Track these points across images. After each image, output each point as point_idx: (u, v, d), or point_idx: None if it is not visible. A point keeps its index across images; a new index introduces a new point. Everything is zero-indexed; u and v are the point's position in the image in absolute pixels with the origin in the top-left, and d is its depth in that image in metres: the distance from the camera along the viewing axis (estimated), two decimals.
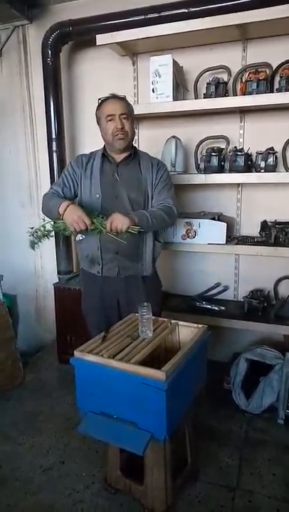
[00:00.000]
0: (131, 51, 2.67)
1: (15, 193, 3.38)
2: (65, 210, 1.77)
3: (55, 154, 2.86)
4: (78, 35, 2.70)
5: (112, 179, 1.96)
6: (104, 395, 1.55)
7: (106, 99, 1.94)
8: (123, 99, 1.95)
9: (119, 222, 1.73)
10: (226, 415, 2.33)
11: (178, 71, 2.47)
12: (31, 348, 3.45)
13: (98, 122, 1.97)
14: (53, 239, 3.03)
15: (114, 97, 1.94)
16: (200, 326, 1.80)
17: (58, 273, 3.06)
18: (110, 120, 1.89)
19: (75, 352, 1.61)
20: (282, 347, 2.42)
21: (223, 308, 2.60)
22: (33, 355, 3.24)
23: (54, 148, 2.85)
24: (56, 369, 2.97)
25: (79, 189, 2.00)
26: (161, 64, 2.35)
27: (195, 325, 1.82)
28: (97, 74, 2.89)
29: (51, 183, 2.91)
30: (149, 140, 2.80)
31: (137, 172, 1.99)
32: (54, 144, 2.84)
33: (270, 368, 2.30)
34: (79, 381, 1.62)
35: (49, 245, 3.16)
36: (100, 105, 1.95)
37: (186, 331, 1.83)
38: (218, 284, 2.85)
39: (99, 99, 1.99)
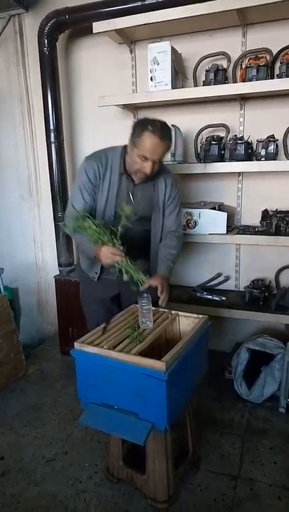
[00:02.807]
0: (129, 39, 2.63)
1: (15, 185, 3.36)
2: (100, 254, 1.71)
3: (53, 145, 2.83)
4: (75, 23, 2.66)
5: (127, 199, 1.87)
6: (104, 386, 1.55)
7: (152, 130, 1.67)
8: (168, 138, 1.75)
9: (166, 295, 1.80)
10: (228, 405, 2.34)
11: (176, 58, 2.42)
12: (34, 341, 3.47)
13: (131, 142, 1.77)
14: (53, 230, 3.03)
15: (162, 135, 1.68)
16: (200, 316, 1.79)
17: (58, 265, 3.05)
18: (141, 160, 1.74)
19: (75, 343, 1.61)
20: (284, 336, 2.42)
21: (224, 298, 2.59)
22: (35, 348, 3.26)
23: (52, 139, 2.82)
24: (59, 361, 2.98)
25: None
26: (160, 51, 2.31)
27: (195, 315, 1.81)
28: (95, 63, 2.85)
29: (50, 175, 2.90)
30: None
31: (151, 192, 1.92)
32: (52, 134, 2.81)
33: (271, 358, 2.30)
34: (79, 372, 1.62)
35: (49, 238, 3.17)
36: (142, 132, 1.69)
37: (187, 322, 1.82)
38: (219, 275, 2.84)
39: (145, 124, 1.69)
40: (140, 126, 1.72)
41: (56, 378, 2.74)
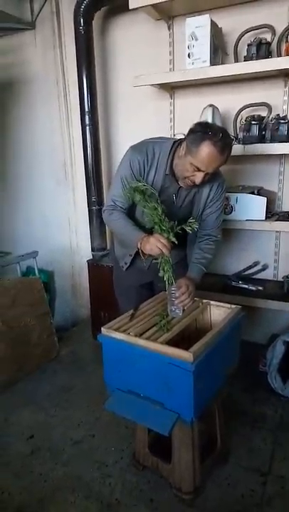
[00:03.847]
0: (166, 14, 2.51)
1: (50, 170, 3.38)
2: (144, 243, 1.60)
3: (88, 128, 2.79)
4: (111, 0, 2.57)
5: (170, 201, 1.74)
6: (131, 373, 1.52)
7: (213, 141, 1.49)
8: (229, 151, 1.57)
9: (188, 300, 1.68)
10: (261, 398, 2.25)
11: (216, 33, 2.28)
12: (68, 323, 3.52)
13: (186, 147, 1.58)
14: (86, 216, 3.02)
15: (222, 148, 1.51)
16: (233, 306, 1.71)
17: (91, 250, 3.05)
18: (194, 169, 1.58)
19: (102, 329, 1.60)
20: None
21: (260, 288, 2.47)
22: (69, 330, 3.30)
23: (87, 121, 2.77)
24: (91, 344, 3.01)
25: None
26: (198, 26, 2.18)
27: (228, 305, 1.73)
28: (132, 41, 2.76)
29: (84, 159, 2.87)
30: (184, 109, 2.66)
31: (194, 195, 1.79)
32: (87, 117, 2.76)
33: None
34: (106, 358, 1.61)
35: (84, 222, 3.16)
36: (201, 140, 1.50)
37: (218, 312, 1.75)
38: (256, 263, 2.71)
39: (206, 132, 1.50)
40: (199, 133, 1.52)
41: (87, 361, 2.77)
